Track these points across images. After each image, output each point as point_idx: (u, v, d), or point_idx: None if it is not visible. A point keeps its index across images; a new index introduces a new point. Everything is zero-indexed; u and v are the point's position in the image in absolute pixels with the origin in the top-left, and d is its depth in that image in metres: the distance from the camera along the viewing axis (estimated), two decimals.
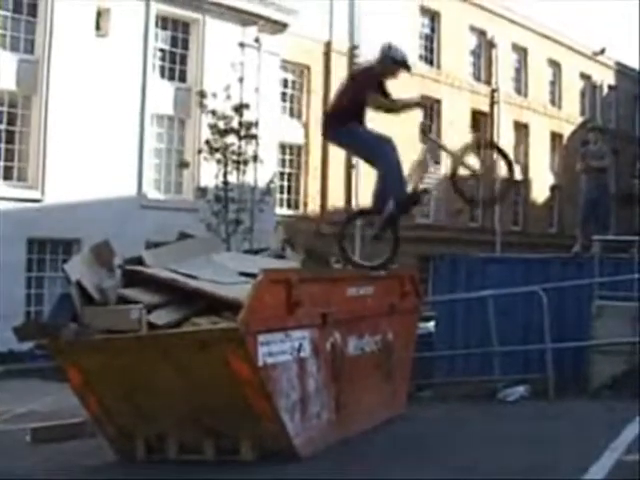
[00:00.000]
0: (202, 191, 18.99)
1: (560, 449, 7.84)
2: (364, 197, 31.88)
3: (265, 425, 7.56)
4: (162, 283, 8.18)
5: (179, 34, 26.95)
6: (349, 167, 32.52)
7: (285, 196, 31.43)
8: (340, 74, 32.31)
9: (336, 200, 32.35)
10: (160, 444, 8.07)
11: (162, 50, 26.39)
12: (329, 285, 8.62)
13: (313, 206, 31.89)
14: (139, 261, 8.63)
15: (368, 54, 31.79)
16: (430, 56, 37.77)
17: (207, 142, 17.68)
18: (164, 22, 26.47)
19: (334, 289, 8.64)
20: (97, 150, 23.83)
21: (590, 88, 48.34)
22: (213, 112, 17.57)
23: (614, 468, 6.97)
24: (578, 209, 16.71)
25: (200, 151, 18.23)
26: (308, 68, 32.02)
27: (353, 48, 32.99)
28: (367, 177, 32.87)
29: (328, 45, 32.42)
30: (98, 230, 15.99)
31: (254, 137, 17.67)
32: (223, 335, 7.27)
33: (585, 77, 47.79)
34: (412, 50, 35.74)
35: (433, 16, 37.68)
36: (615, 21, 52.84)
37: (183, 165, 21.85)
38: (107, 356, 7.71)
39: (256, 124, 17.95)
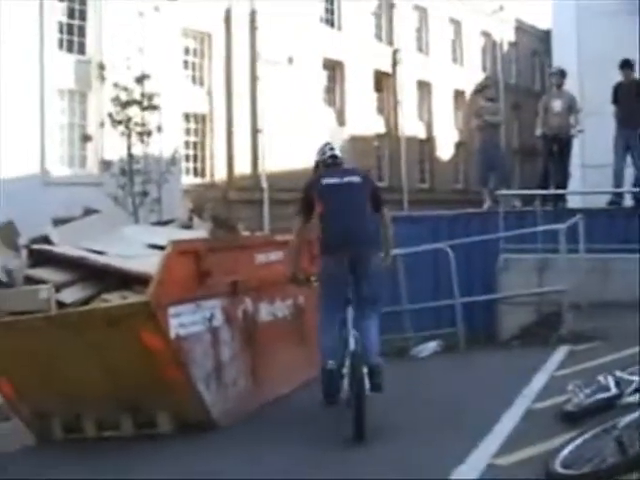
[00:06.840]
0: (106, 164, 18.79)
1: (472, 399, 8.04)
2: (271, 162, 31.95)
3: (181, 397, 7.59)
4: (70, 261, 8.11)
5: (76, 5, 26.33)
6: (255, 132, 32.38)
7: (192, 165, 31.14)
8: (241, 39, 32.28)
9: (243, 166, 32.20)
10: (77, 422, 8.05)
11: (60, 23, 25.73)
12: (238, 253, 8.65)
13: (220, 173, 31.69)
14: (45, 239, 8.53)
15: (267, 20, 31.85)
16: (331, 18, 37.68)
17: (109, 115, 17.47)
18: None
19: (243, 256, 8.67)
20: None
21: (491, 45, 48.88)
22: (114, 84, 17.33)
23: (525, 415, 7.20)
24: (477, 166, 16.98)
25: (103, 124, 18.00)
26: (209, 35, 31.67)
27: (253, 13, 32.75)
28: (274, 141, 32.47)
29: (228, 11, 32.10)
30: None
31: (157, 108, 17.52)
32: (133, 309, 7.26)
33: (485, 35, 48.31)
34: (313, 14, 35.67)
35: None
36: None
37: (85, 139, 21.54)
38: (17, 337, 7.63)
39: (158, 94, 17.78)
